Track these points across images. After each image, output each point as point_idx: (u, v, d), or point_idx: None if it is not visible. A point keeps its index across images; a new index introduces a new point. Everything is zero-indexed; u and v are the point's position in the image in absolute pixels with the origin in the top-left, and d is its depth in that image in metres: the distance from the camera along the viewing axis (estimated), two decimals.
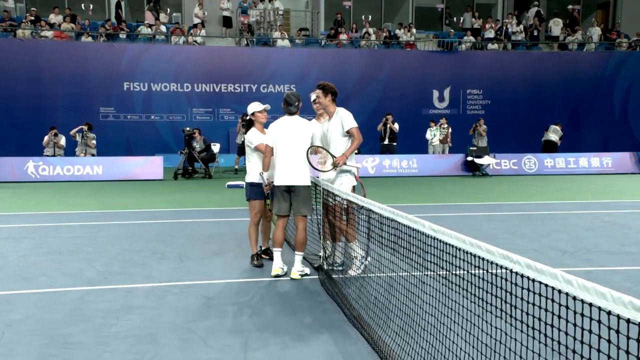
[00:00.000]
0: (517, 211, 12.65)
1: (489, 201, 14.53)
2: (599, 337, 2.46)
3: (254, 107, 7.67)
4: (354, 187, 7.61)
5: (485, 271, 3.49)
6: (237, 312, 5.84)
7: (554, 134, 22.46)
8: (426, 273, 5.34)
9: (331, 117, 7.27)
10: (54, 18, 22.68)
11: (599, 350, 2.51)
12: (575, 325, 2.67)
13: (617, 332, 2.30)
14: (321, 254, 7.40)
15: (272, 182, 7.13)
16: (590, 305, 2.34)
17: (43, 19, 22.86)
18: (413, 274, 5.37)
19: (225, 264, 7.54)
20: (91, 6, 24.54)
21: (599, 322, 2.42)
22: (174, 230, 10.29)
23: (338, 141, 7.18)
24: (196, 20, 24.43)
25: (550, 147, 22.46)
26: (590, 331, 2.55)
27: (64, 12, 23.13)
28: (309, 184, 7.07)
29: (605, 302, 2.22)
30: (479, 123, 21.57)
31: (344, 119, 7.14)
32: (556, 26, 26.05)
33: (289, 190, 6.90)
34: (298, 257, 6.95)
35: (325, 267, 7.22)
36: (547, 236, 9.62)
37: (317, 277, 7.17)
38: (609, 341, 2.40)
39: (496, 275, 3.44)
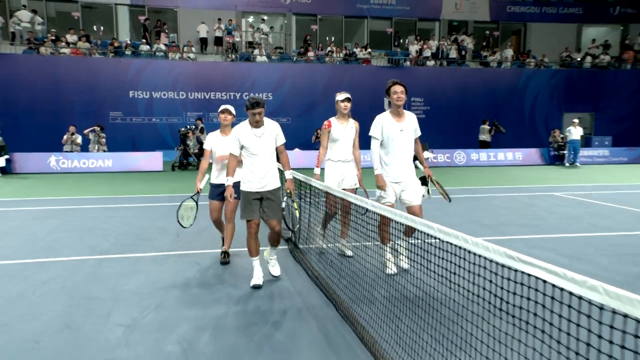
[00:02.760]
0: (449, 194, 12.89)
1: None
2: (485, 279, 2.71)
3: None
4: (360, 191, 6.63)
5: (421, 240, 3.70)
6: (222, 274, 5.98)
7: (482, 134, 23.04)
8: (376, 242, 5.59)
9: (402, 117, 5.82)
10: (70, 37, 22.39)
11: (484, 288, 2.76)
12: (469, 271, 2.89)
13: (496, 274, 2.55)
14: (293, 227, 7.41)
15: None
16: (479, 256, 2.57)
17: (63, 37, 22.56)
18: (364, 243, 5.61)
19: (213, 237, 7.59)
20: (102, 28, 24.26)
21: (485, 268, 2.66)
22: (172, 211, 10.19)
23: (412, 145, 5.80)
24: (202, 35, 24.28)
25: (483, 145, 23.05)
26: (483, 277, 2.80)
27: (79, 32, 22.86)
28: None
29: (488, 253, 2.44)
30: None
31: (416, 124, 5.89)
32: (468, 43, 26.46)
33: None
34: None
35: (294, 239, 7.21)
36: (472, 213, 9.87)
37: (286, 247, 7.31)
38: (489, 281, 2.65)
39: (425, 242, 3.67)
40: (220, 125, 6.35)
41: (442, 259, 3.20)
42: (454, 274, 3.07)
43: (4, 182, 15.41)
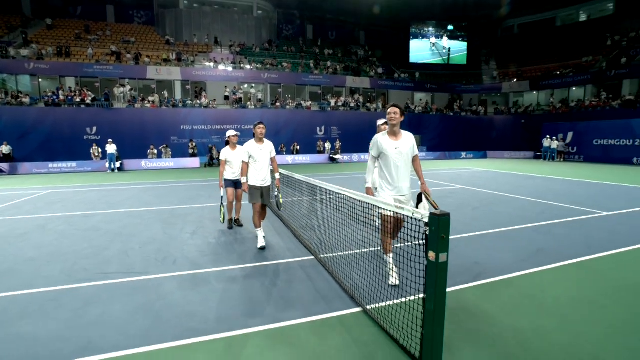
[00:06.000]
0: (358, 176, 12.63)
1: (339, 173, 14.14)
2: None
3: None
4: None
5: (329, 195, 4.27)
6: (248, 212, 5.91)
7: None
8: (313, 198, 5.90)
9: (397, 136, 3.48)
10: (150, 98, 22.00)
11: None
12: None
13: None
14: (279, 208, 7.35)
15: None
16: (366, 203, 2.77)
17: (146, 98, 22.13)
18: (306, 198, 5.99)
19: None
20: (166, 92, 23.71)
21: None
22: (205, 187, 10.15)
23: (408, 162, 3.49)
24: (225, 94, 23.75)
25: None
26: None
27: (155, 95, 22.38)
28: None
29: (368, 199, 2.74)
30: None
31: (414, 143, 3.53)
32: (359, 99, 27.10)
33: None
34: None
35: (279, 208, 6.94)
36: (358, 187, 9.01)
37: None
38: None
39: (330, 197, 4.17)
40: (230, 143, 5.54)
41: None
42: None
43: (120, 175, 15.03)
